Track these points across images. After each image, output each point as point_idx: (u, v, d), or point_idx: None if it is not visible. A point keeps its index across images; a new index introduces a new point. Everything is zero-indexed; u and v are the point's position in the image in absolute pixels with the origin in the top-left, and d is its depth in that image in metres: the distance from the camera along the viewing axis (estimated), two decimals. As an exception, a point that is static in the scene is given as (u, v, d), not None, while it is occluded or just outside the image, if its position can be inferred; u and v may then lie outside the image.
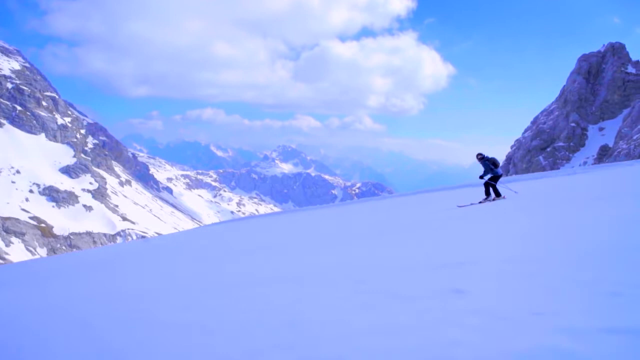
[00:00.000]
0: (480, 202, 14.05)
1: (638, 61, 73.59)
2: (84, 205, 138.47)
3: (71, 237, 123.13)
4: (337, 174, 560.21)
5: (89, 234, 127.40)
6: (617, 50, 74.40)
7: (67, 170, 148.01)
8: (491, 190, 14.37)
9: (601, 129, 70.84)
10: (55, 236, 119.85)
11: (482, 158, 14.53)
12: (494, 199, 14.23)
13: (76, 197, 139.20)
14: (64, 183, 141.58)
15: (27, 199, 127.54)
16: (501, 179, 15.30)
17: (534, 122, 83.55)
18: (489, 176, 14.44)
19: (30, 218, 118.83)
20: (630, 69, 73.09)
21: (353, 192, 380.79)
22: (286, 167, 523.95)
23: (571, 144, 70.10)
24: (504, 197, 14.31)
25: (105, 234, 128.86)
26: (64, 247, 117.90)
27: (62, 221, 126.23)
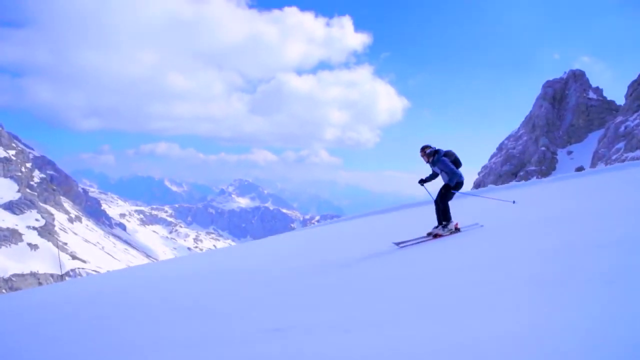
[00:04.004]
0: (432, 235, 8.60)
1: (597, 87, 76.72)
2: (29, 244, 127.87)
3: (13, 278, 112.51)
4: (294, 207, 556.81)
5: (33, 274, 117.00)
6: (578, 77, 77.40)
7: (10, 206, 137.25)
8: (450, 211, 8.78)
9: (570, 153, 72.40)
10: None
11: (435, 152, 8.90)
12: (455, 229, 8.70)
13: (20, 235, 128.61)
14: (6, 220, 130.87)
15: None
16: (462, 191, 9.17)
17: (500, 148, 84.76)
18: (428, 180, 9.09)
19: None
20: (592, 95, 75.86)
21: (312, 225, 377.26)
22: (243, 202, 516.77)
23: (543, 167, 70.89)
24: (458, 229, 8.74)
25: (52, 274, 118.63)
26: (4, 290, 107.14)
27: (2, 261, 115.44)
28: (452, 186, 8.69)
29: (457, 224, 8.74)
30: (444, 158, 8.69)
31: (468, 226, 8.96)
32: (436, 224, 8.73)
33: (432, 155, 8.85)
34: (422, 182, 9.11)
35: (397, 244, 8.44)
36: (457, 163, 8.85)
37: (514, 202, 10.04)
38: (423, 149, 9.00)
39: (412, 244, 8.37)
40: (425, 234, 8.71)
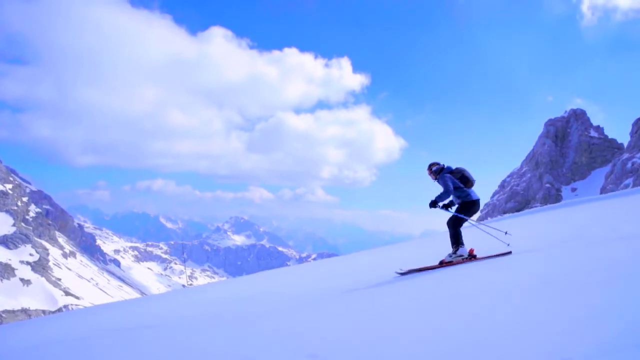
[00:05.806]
0: (444, 263, 7.64)
1: (598, 126, 77.91)
2: (22, 279, 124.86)
3: (3, 315, 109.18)
4: (290, 245, 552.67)
5: (24, 311, 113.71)
6: (579, 116, 78.68)
7: (5, 241, 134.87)
8: (461, 235, 7.75)
9: (574, 190, 72.61)
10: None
11: (440, 170, 8.00)
12: (469, 255, 7.60)
13: (13, 269, 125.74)
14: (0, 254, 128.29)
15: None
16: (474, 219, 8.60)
17: (502, 185, 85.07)
18: (449, 203, 7.98)
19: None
20: (593, 133, 76.94)
21: (309, 263, 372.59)
22: (239, 239, 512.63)
23: (548, 204, 70.76)
24: (474, 256, 7.63)
25: (44, 311, 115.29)
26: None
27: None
28: (442, 206, 7.84)
29: (472, 250, 7.63)
30: (445, 175, 7.72)
31: (496, 253, 7.58)
32: (451, 250, 7.84)
33: (438, 173, 7.94)
34: (434, 203, 7.76)
35: (402, 273, 7.55)
36: (465, 180, 7.76)
37: (506, 233, 8.27)
38: (430, 166, 8.14)
39: (413, 274, 7.40)
40: (437, 263, 7.76)
